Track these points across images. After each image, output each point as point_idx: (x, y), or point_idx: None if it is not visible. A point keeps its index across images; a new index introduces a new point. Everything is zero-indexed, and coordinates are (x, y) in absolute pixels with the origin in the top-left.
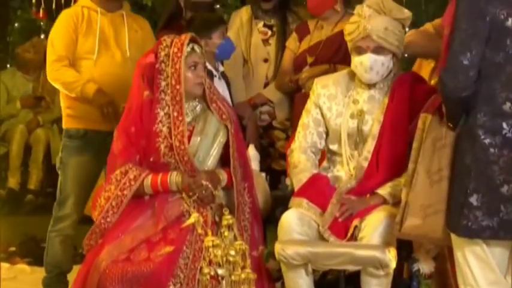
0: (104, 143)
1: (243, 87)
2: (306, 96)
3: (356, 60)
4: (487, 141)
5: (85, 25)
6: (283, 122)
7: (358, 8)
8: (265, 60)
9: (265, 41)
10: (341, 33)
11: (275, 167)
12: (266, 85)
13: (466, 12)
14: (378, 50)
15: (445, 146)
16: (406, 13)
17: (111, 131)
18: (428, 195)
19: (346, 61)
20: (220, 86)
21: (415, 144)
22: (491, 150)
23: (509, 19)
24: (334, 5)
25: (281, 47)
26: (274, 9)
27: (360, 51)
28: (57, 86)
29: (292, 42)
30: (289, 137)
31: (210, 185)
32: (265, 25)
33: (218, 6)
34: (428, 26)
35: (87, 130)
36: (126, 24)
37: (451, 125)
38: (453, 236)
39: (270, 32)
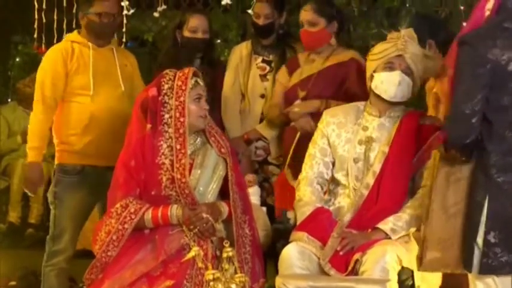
0: (100, 178)
1: (239, 123)
2: (296, 129)
3: (383, 76)
4: (500, 179)
5: (76, 60)
6: (278, 158)
7: (393, 33)
8: (262, 96)
9: (263, 77)
10: (333, 67)
11: (269, 202)
12: (262, 120)
13: (466, 62)
14: (407, 71)
15: (460, 179)
16: (430, 53)
17: (108, 167)
18: (446, 229)
19: (338, 96)
20: None
21: (430, 182)
22: (505, 187)
23: (511, 63)
24: (330, 40)
25: None
26: (273, 45)
27: (392, 67)
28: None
29: (282, 75)
30: None
31: (210, 218)
32: (264, 60)
33: (219, 41)
34: None
35: (84, 166)
36: (117, 59)
37: (465, 158)
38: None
39: (268, 68)
